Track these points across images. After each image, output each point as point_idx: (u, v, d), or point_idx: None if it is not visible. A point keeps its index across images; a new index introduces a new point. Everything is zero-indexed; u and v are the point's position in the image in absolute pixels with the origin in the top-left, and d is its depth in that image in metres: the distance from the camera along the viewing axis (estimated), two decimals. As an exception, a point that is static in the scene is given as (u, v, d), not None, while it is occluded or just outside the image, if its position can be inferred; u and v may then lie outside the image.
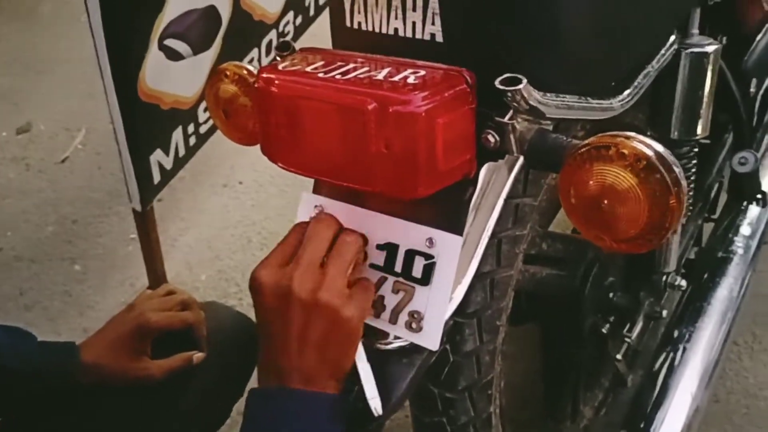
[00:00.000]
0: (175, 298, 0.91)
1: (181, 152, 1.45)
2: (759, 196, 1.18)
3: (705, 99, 0.87)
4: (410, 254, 0.65)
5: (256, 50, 1.58)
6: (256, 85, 0.64)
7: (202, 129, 1.49)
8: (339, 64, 0.63)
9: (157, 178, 1.40)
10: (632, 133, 0.54)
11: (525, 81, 0.57)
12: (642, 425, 0.97)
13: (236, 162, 2.11)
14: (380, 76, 0.60)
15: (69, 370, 0.82)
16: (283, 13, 1.63)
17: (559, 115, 0.63)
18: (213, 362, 0.91)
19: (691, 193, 0.99)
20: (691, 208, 1.13)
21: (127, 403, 0.85)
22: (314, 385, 0.61)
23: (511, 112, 0.60)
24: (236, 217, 1.96)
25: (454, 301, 0.68)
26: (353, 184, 0.61)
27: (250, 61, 1.56)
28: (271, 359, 0.63)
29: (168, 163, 1.42)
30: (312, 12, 1.76)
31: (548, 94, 0.61)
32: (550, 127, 0.63)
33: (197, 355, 0.90)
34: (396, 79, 0.59)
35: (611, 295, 1.03)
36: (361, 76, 0.60)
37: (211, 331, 0.93)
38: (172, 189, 1.58)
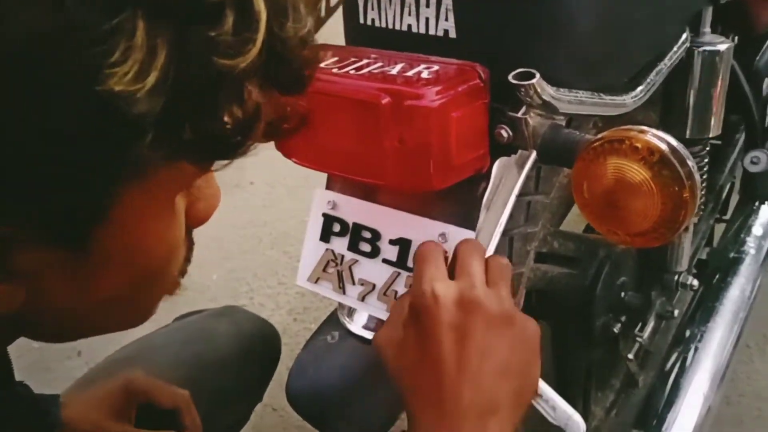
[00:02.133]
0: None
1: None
2: (771, 196, 1.18)
3: (717, 98, 0.87)
4: (423, 249, 0.66)
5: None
6: (270, 81, 0.64)
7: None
8: (353, 59, 0.64)
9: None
10: (646, 127, 0.54)
11: (538, 76, 0.57)
12: (653, 425, 0.96)
13: (247, 163, 2.11)
14: (394, 71, 0.60)
15: (47, 425, 0.73)
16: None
17: (572, 111, 0.63)
18: (233, 367, 0.90)
19: (703, 193, 0.99)
20: (703, 207, 1.13)
21: None
22: (499, 418, 0.52)
23: (524, 107, 0.60)
24: (247, 217, 1.97)
25: (467, 296, 0.68)
26: (367, 179, 0.61)
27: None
28: (445, 387, 0.52)
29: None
30: (323, 13, 1.77)
31: (561, 89, 0.61)
32: (563, 123, 0.64)
33: None
34: (410, 74, 0.60)
35: (623, 294, 1.03)
36: (375, 71, 0.61)
37: (232, 336, 0.92)
38: (183, 189, 1.59)
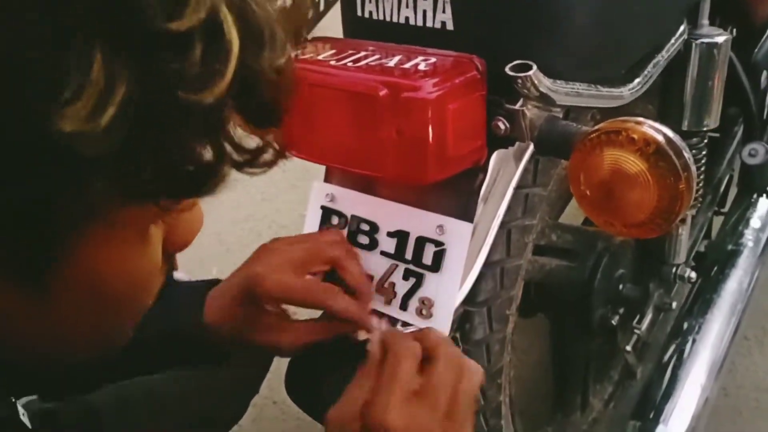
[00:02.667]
0: (325, 250, 0.66)
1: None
2: (769, 188, 1.18)
3: (715, 90, 0.87)
4: (421, 241, 0.66)
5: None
6: (268, 74, 0.64)
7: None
8: (350, 52, 0.64)
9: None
10: (642, 119, 0.54)
11: (535, 67, 0.57)
12: (651, 416, 0.97)
13: (247, 157, 2.12)
14: (391, 64, 0.61)
15: (190, 322, 0.66)
16: (294, 8, 1.64)
17: (569, 103, 0.63)
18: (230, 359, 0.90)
19: (701, 185, 0.99)
20: (701, 200, 1.13)
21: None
22: None
23: (521, 99, 0.60)
24: (247, 210, 1.97)
25: (464, 288, 0.69)
26: (365, 171, 0.62)
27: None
28: None
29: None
30: (322, 6, 1.77)
31: (558, 81, 0.61)
32: (560, 115, 0.64)
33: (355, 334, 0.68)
34: (407, 66, 0.60)
35: (621, 286, 1.03)
36: (373, 63, 0.61)
37: None
38: (183, 183, 1.59)
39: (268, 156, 0.40)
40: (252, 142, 0.38)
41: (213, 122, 0.34)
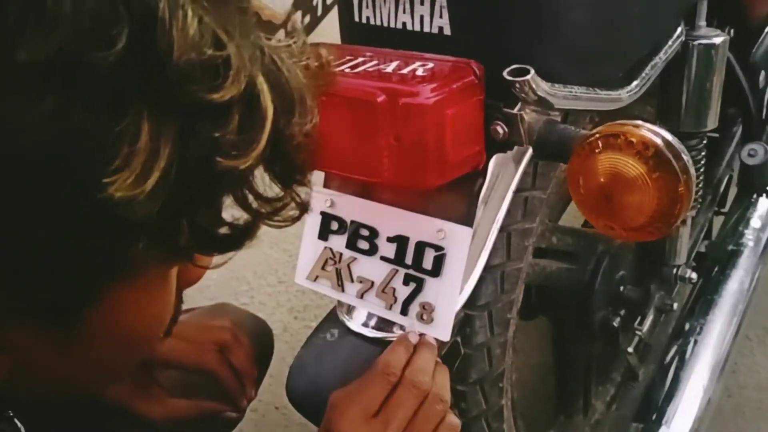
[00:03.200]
0: (215, 331, 0.75)
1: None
2: (769, 188, 1.18)
3: (713, 91, 0.87)
4: (420, 246, 0.66)
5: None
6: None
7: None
8: (348, 58, 0.64)
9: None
10: (640, 122, 0.54)
11: (532, 71, 0.58)
12: (654, 418, 0.97)
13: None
14: (389, 69, 0.61)
15: None
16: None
17: (567, 106, 0.63)
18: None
19: (700, 186, 0.99)
20: (700, 200, 1.13)
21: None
22: None
23: (519, 103, 0.60)
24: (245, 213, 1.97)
25: (465, 292, 0.69)
26: (364, 176, 0.62)
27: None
28: None
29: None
30: (320, 11, 1.77)
31: (556, 85, 0.61)
32: (558, 118, 0.64)
33: (226, 413, 0.75)
34: (405, 71, 0.60)
35: (622, 288, 1.03)
36: (370, 69, 0.61)
37: None
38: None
39: (292, 211, 0.41)
40: (271, 191, 0.40)
41: (244, 184, 0.36)
